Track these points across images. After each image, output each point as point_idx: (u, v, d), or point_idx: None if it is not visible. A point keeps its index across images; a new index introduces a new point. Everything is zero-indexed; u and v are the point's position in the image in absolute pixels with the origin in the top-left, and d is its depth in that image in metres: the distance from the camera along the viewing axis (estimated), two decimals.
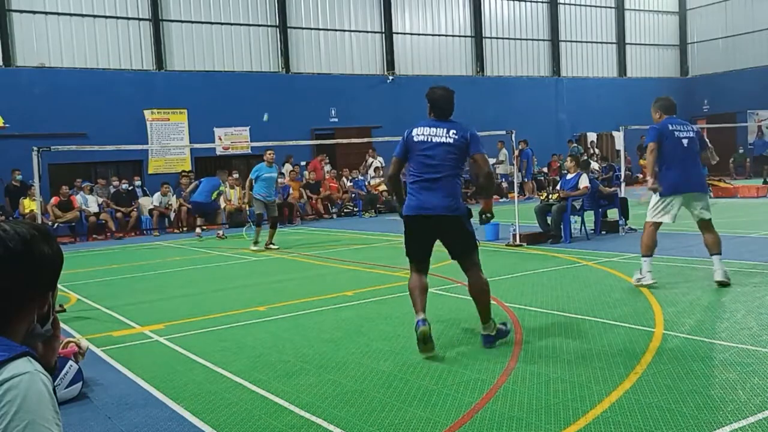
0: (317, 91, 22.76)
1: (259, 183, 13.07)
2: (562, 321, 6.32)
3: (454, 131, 5.62)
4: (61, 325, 7.07)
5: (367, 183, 21.52)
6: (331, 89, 23.09)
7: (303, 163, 21.36)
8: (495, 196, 24.06)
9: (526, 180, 23.21)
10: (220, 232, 16.09)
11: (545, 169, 25.38)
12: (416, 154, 5.65)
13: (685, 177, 7.40)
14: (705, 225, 7.47)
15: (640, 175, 26.97)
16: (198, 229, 16.01)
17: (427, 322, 5.40)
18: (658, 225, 7.53)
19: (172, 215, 18.30)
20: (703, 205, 7.49)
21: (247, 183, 13.55)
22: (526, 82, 27.72)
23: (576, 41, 29.39)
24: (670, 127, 7.53)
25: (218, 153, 20.98)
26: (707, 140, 8.03)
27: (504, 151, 23.90)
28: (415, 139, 5.66)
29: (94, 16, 19.82)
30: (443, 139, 5.59)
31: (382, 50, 24.79)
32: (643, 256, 7.58)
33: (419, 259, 5.85)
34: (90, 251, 14.57)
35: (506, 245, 11.54)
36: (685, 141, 7.49)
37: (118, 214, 17.88)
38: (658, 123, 7.71)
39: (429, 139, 5.61)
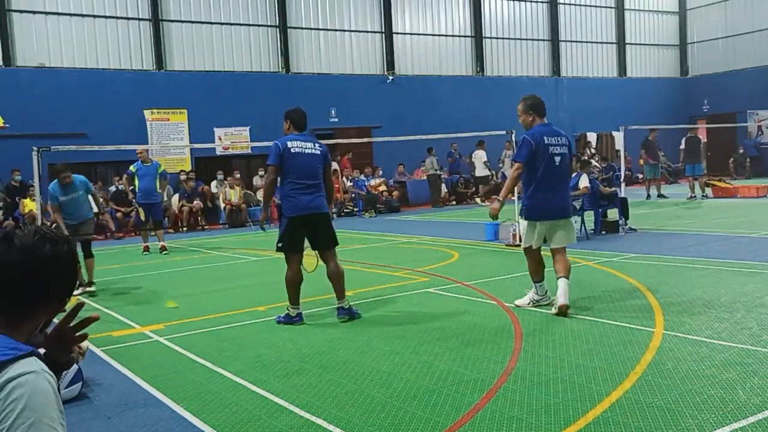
0: (317, 91, 22.75)
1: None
2: (562, 321, 6.32)
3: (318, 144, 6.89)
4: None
5: (367, 183, 21.52)
6: (331, 89, 23.09)
7: None
8: (493, 196, 24.10)
9: None
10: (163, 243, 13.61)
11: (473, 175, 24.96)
12: (298, 163, 6.61)
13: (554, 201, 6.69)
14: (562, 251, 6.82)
15: (640, 176, 27.02)
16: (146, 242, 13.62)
17: None
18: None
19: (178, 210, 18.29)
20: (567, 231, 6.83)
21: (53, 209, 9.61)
22: (526, 82, 27.69)
23: (576, 41, 29.39)
24: (545, 140, 6.59)
25: (218, 153, 20.99)
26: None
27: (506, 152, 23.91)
28: (292, 150, 6.62)
29: (94, 16, 19.83)
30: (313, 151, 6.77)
31: (382, 50, 24.79)
32: (534, 281, 6.92)
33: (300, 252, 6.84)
34: None
35: (506, 245, 11.52)
36: (557, 158, 6.63)
37: (118, 214, 17.88)
38: (529, 131, 6.74)
39: (303, 151, 6.67)
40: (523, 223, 6.83)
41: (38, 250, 1.60)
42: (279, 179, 6.80)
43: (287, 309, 6.84)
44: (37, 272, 1.59)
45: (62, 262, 1.63)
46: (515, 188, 8.08)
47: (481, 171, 23.16)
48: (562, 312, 6.42)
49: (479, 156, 23.12)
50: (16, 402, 1.41)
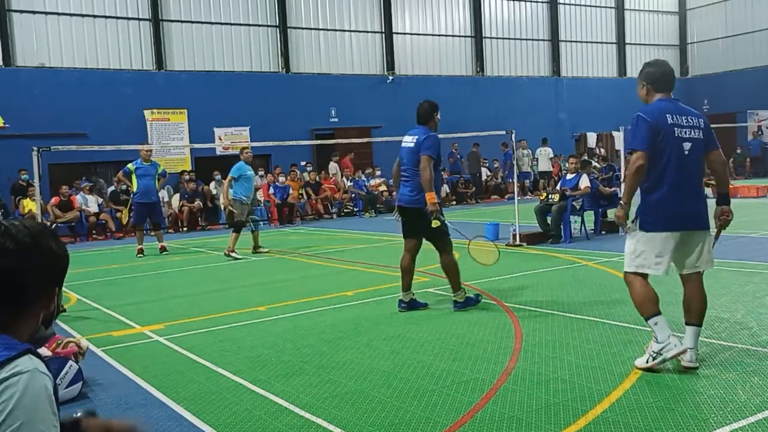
0: (317, 91, 22.76)
1: (241, 183, 12.22)
2: (562, 321, 6.32)
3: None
4: (62, 325, 7.07)
5: (367, 183, 21.52)
6: (331, 89, 23.10)
7: (303, 163, 21.37)
8: (495, 196, 24.17)
9: (509, 180, 23.31)
10: (164, 243, 13.52)
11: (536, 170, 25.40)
12: (401, 154, 7.28)
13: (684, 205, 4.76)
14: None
15: None
16: (141, 245, 13.16)
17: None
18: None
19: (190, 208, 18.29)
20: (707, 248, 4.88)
21: (227, 183, 12.43)
22: (526, 82, 27.72)
23: (576, 41, 29.40)
24: (669, 119, 4.70)
25: (218, 153, 20.97)
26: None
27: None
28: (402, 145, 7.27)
29: (94, 16, 19.83)
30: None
31: (382, 50, 24.79)
32: (646, 318, 4.81)
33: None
34: (90, 251, 14.57)
35: (506, 245, 11.52)
36: (687, 145, 4.71)
37: (118, 214, 17.87)
38: (645, 107, 4.88)
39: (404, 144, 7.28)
40: (635, 237, 4.80)
41: (41, 243, 1.57)
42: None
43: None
44: (8, 270, 1.53)
45: (33, 254, 1.56)
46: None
47: (544, 166, 23.97)
48: (689, 369, 4.73)
49: (545, 153, 23.91)
50: (7, 403, 1.39)
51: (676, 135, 4.67)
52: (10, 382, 1.40)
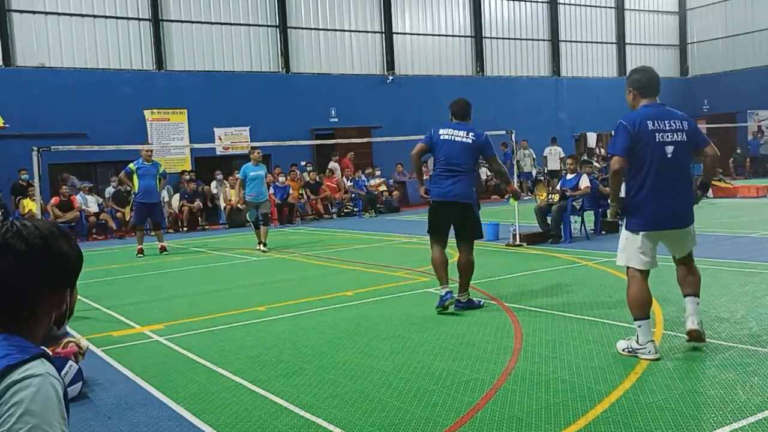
0: (317, 91, 22.75)
1: (246, 183, 12.76)
2: (562, 321, 6.32)
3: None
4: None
5: (367, 183, 21.52)
6: (331, 89, 23.09)
7: (303, 163, 21.37)
8: (494, 196, 24.18)
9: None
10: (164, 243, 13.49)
11: (545, 169, 25.52)
12: (444, 149, 7.00)
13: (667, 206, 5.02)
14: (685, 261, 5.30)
15: None
16: (141, 245, 13.12)
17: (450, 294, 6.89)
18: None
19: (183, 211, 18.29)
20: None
21: (238, 184, 13.51)
22: (526, 82, 27.71)
23: (576, 41, 29.39)
24: (650, 125, 4.95)
25: (218, 153, 20.98)
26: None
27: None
28: (442, 137, 6.98)
29: (94, 16, 19.82)
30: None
31: (382, 50, 24.78)
32: (634, 318, 5.14)
33: None
34: (90, 251, 14.56)
35: (506, 245, 11.53)
36: (669, 149, 4.95)
37: (118, 214, 17.88)
38: (628, 114, 5.11)
39: (452, 138, 6.95)
40: (624, 234, 5.16)
41: (51, 243, 1.57)
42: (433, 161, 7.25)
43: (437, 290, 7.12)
44: (18, 272, 1.53)
45: (43, 256, 1.56)
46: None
47: (554, 165, 24.16)
48: (694, 339, 5.09)
49: (556, 152, 24.08)
50: (17, 406, 1.40)
51: (657, 140, 4.92)
52: (21, 384, 1.42)
